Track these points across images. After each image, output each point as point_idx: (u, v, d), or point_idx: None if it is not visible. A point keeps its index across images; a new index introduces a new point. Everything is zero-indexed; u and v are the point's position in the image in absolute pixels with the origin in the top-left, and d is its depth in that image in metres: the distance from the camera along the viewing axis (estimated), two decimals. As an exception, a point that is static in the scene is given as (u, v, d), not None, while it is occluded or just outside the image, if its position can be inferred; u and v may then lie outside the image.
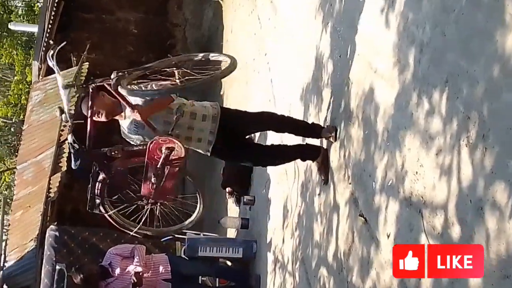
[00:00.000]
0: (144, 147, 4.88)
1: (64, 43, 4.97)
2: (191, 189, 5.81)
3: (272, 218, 7.41)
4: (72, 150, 4.96)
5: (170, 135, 4.88)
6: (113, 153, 4.97)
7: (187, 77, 4.93)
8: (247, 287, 7.69)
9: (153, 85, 4.95)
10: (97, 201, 5.26)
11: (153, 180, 4.98)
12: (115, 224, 5.45)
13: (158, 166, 4.89)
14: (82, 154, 4.96)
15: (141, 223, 5.47)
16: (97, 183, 5.14)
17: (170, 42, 15.22)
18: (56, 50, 4.80)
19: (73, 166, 5.07)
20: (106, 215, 5.34)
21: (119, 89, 4.72)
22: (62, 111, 4.98)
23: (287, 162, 5.74)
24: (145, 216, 5.43)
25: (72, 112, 5.17)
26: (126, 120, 5.12)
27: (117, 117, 5.17)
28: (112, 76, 4.75)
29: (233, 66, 4.88)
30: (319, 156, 5.35)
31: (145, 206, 5.36)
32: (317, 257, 5.36)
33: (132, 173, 5.25)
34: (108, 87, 4.80)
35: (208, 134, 5.11)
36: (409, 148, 3.64)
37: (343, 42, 5.26)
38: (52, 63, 4.82)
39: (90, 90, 4.84)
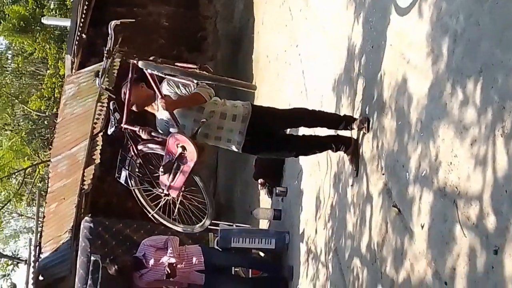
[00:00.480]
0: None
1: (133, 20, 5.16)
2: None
3: (304, 209, 7.42)
4: (111, 117, 5.06)
5: (194, 134, 4.96)
6: (142, 132, 5.06)
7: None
8: (280, 278, 7.72)
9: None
10: (124, 172, 5.38)
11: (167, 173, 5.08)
12: (136, 200, 5.59)
13: (172, 161, 4.97)
14: (118, 123, 5.09)
15: (156, 208, 5.58)
16: (128, 157, 5.28)
17: (201, 35, 15.29)
18: (119, 22, 4.96)
19: (108, 132, 5.18)
20: (130, 187, 5.46)
21: (155, 71, 4.80)
22: (97, 75, 5.12)
23: (319, 152, 5.74)
24: (163, 205, 5.53)
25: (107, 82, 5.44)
26: (159, 112, 5.18)
27: (149, 109, 5.25)
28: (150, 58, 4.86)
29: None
30: (350, 147, 5.35)
31: (162, 196, 5.45)
32: (350, 248, 5.37)
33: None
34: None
35: (237, 135, 5.15)
36: (443, 139, 3.63)
37: (375, 33, 5.25)
38: (111, 32, 5.03)
39: (130, 70, 4.98)
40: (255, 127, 5.17)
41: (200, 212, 5.72)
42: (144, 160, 5.38)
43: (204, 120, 5.00)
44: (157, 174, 5.27)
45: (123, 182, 5.50)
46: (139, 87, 5.08)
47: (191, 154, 4.89)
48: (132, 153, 5.29)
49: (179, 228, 5.85)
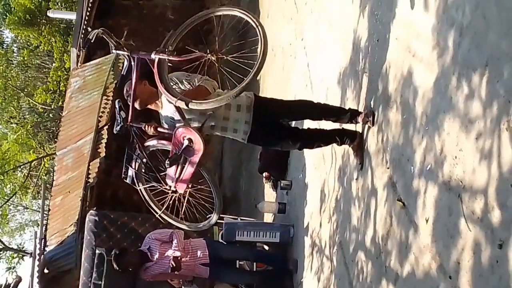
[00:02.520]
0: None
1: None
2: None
3: (309, 203, 7.42)
4: (117, 115, 5.06)
5: (201, 127, 4.96)
6: (147, 128, 5.06)
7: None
8: (285, 271, 7.73)
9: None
10: (131, 172, 5.38)
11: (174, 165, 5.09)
12: (143, 199, 5.59)
13: (178, 153, 4.95)
14: (123, 121, 5.08)
15: (163, 208, 5.58)
16: (134, 155, 5.27)
17: (207, 28, 15.25)
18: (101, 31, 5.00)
19: (114, 130, 5.18)
20: (137, 187, 5.46)
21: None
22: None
23: (324, 145, 5.73)
24: (170, 203, 5.53)
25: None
26: (163, 109, 5.18)
27: (153, 107, 5.24)
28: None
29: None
30: (356, 140, 5.34)
31: (169, 193, 5.44)
32: (355, 241, 5.36)
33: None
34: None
35: (243, 125, 5.15)
36: (448, 132, 3.62)
37: (381, 26, 5.23)
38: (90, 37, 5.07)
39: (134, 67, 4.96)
40: (260, 117, 5.17)
41: (206, 208, 5.71)
42: (151, 157, 5.37)
43: (211, 112, 4.99)
44: (164, 172, 5.27)
45: (129, 183, 5.50)
46: (142, 84, 5.06)
47: (198, 145, 4.89)
48: (139, 151, 5.28)
49: (186, 226, 5.84)
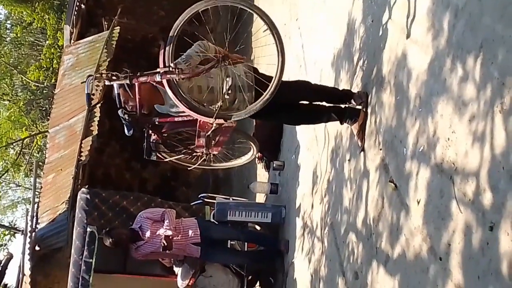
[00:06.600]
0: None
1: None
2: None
3: (301, 184, 7.42)
4: (124, 122, 5.00)
5: None
6: (161, 121, 5.09)
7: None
8: (276, 251, 7.74)
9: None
10: (153, 154, 5.40)
11: (203, 142, 5.14)
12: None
13: (208, 134, 4.96)
14: (134, 122, 5.01)
15: (197, 163, 5.60)
16: (151, 138, 5.27)
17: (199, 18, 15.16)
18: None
19: (126, 133, 5.13)
20: (165, 160, 5.54)
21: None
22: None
23: (325, 122, 5.64)
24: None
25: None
26: (169, 106, 5.09)
27: (159, 103, 5.15)
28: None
29: None
30: (358, 119, 5.22)
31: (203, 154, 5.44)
32: (346, 222, 5.37)
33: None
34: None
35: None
36: (442, 114, 3.61)
37: (375, 7, 5.20)
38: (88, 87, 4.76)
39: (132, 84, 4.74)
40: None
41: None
42: (172, 137, 5.39)
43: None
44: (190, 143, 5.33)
45: (155, 159, 5.52)
46: (139, 89, 4.84)
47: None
48: (156, 138, 5.28)
49: (225, 165, 6.05)
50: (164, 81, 4.56)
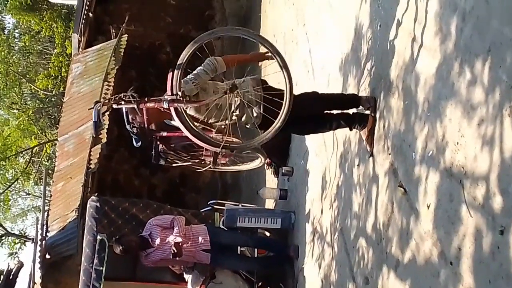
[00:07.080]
0: None
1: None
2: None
3: (310, 189, 7.41)
4: (133, 136, 5.04)
5: None
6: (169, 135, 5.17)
7: None
8: (286, 257, 7.73)
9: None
10: (162, 160, 5.47)
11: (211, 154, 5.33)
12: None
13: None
14: (142, 135, 5.05)
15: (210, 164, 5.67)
16: (159, 148, 5.33)
17: (208, 13, 15.23)
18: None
19: (135, 145, 5.16)
20: (174, 165, 5.71)
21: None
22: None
23: (334, 129, 5.62)
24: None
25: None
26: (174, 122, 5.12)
27: (168, 117, 5.17)
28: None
29: None
30: (367, 125, 5.19)
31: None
32: (356, 228, 5.36)
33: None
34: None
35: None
36: (450, 119, 3.60)
37: (383, 12, 5.20)
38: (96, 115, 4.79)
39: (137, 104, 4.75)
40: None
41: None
42: (180, 148, 5.46)
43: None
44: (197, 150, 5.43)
45: (163, 164, 5.59)
46: (149, 110, 4.88)
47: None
48: (164, 148, 5.36)
49: (238, 167, 6.30)
50: (172, 109, 4.56)
